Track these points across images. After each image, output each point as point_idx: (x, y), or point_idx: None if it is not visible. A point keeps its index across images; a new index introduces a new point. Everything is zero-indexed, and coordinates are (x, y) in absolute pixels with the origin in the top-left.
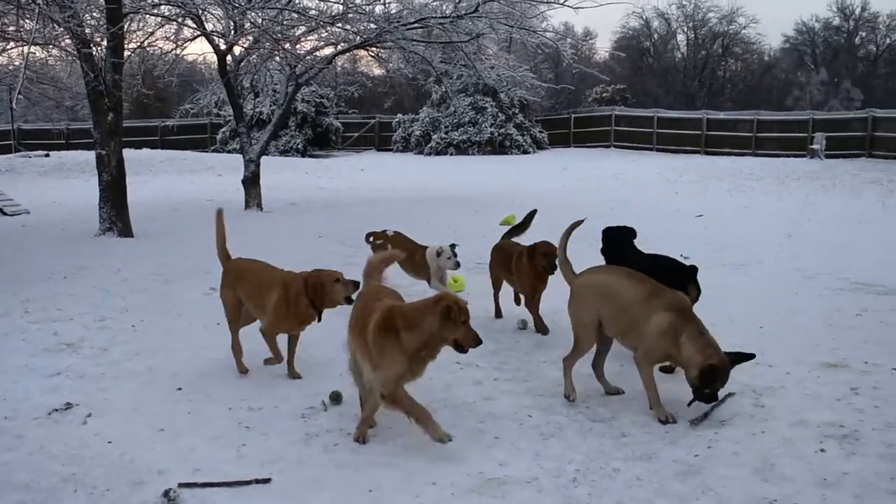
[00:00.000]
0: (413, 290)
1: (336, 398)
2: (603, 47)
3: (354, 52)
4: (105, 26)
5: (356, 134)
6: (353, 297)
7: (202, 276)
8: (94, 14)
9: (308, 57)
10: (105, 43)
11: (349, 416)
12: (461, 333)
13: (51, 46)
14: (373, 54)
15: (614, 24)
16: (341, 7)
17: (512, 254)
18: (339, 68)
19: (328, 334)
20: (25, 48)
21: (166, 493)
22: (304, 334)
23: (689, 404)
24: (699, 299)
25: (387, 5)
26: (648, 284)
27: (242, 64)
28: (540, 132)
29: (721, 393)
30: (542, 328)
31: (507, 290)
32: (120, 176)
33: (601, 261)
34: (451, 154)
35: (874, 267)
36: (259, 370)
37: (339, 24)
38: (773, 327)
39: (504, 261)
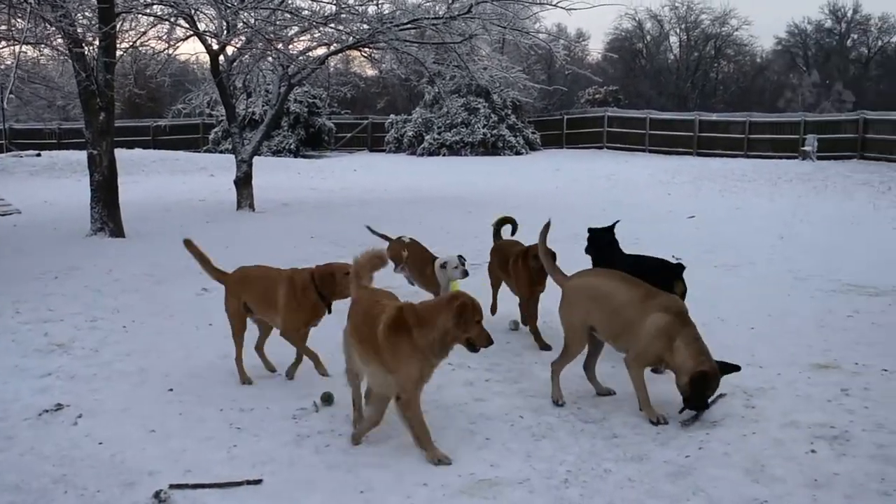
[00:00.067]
0: (405, 290)
1: (327, 399)
2: (596, 49)
3: (347, 52)
4: (97, 26)
5: (349, 134)
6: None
7: (194, 277)
8: (86, 13)
9: (301, 57)
10: (97, 42)
11: (341, 417)
12: (475, 332)
13: (42, 46)
14: (366, 55)
15: (607, 26)
16: (334, 7)
17: (510, 256)
18: (331, 69)
19: (319, 338)
20: (17, 47)
21: (157, 495)
22: None
23: (681, 412)
24: (685, 298)
25: (380, 6)
26: (643, 286)
27: (235, 64)
28: (532, 133)
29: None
30: (542, 344)
31: (506, 291)
32: (112, 176)
33: (590, 262)
34: (444, 155)
35: (866, 268)
36: (254, 372)
37: (332, 25)
38: (764, 328)
39: (503, 262)
